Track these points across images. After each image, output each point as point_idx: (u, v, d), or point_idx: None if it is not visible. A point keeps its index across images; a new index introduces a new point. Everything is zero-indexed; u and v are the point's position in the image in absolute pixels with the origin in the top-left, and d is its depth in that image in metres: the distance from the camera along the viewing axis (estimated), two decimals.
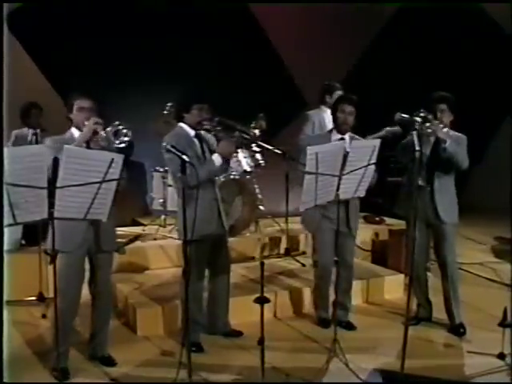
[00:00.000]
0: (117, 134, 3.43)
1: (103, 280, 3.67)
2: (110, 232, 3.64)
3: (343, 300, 4.39)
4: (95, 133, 3.43)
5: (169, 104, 5.78)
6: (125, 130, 3.43)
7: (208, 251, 3.98)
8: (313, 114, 5.55)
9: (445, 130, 4.03)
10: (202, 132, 3.98)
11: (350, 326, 4.39)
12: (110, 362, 3.72)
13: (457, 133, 4.21)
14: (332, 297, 4.32)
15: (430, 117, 3.86)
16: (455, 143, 4.05)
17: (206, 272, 4.09)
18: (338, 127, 4.21)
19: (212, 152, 3.93)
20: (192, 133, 3.94)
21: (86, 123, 3.45)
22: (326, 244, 4.27)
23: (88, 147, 3.44)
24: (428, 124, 3.85)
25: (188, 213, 3.55)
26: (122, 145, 3.41)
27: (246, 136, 4.03)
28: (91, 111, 3.53)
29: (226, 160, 3.89)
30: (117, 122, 3.44)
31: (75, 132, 3.55)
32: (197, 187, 3.71)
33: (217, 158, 3.83)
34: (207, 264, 4.04)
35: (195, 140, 3.94)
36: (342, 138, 4.15)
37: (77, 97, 3.56)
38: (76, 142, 3.41)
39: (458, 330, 4.27)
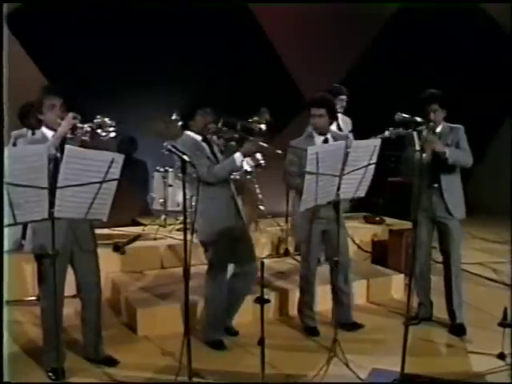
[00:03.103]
0: (101, 126, 3.37)
1: (86, 281, 3.62)
2: (87, 231, 3.60)
3: (344, 297, 4.30)
4: (74, 128, 3.36)
5: (174, 115, 5.79)
6: (109, 122, 3.37)
7: (230, 249, 3.97)
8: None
9: (438, 129, 4.10)
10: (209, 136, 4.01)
11: (355, 327, 4.34)
12: (111, 361, 3.70)
13: (452, 125, 4.24)
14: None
15: (424, 129, 3.91)
16: (454, 147, 4.11)
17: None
18: (316, 130, 4.20)
19: (222, 152, 4.00)
20: (199, 138, 3.95)
21: (60, 121, 3.35)
22: (314, 247, 4.22)
23: (62, 144, 3.30)
24: (426, 139, 3.91)
25: (206, 212, 3.76)
26: (112, 134, 3.37)
27: (253, 128, 4.05)
28: (63, 109, 3.42)
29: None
30: (98, 116, 3.38)
31: (47, 131, 3.44)
32: (214, 184, 3.81)
33: (238, 158, 3.85)
34: (233, 261, 4.05)
35: (204, 144, 3.95)
36: (326, 139, 4.16)
37: (47, 95, 3.46)
38: (53, 138, 3.32)
39: (458, 330, 4.26)
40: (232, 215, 3.98)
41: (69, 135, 3.39)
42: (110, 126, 3.37)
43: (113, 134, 3.38)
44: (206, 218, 3.89)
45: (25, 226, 4.79)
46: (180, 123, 4.08)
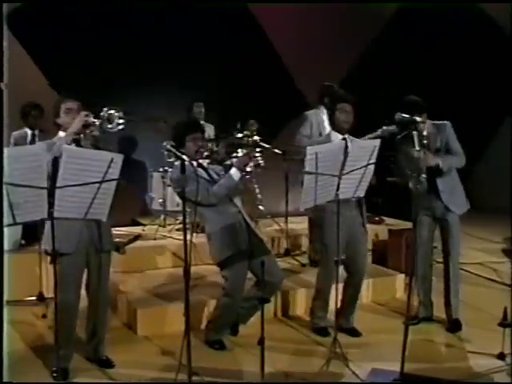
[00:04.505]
0: (110, 119, 3.36)
1: (100, 282, 3.61)
2: (106, 232, 3.58)
3: (351, 305, 4.26)
4: (86, 126, 3.36)
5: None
6: (117, 113, 3.36)
7: (245, 265, 3.93)
8: (311, 114, 5.57)
9: (425, 132, 4.06)
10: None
11: (354, 333, 4.24)
12: (107, 363, 3.69)
13: (437, 122, 4.23)
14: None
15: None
16: (444, 148, 4.14)
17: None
18: (338, 127, 4.12)
19: (219, 175, 3.97)
20: (194, 163, 3.88)
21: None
22: (335, 242, 3.94)
23: (78, 143, 3.39)
24: (420, 157, 3.94)
25: (216, 235, 3.83)
26: (120, 127, 3.36)
27: (243, 142, 4.07)
28: (79, 113, 3.43)
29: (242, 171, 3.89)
30: (106, 108, 3.37)
31: (63, 135, 3.43)
32: (216, 205, 3.81)
33: (235, 173, 3.83)
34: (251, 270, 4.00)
35: (199, 169, 3.88)
36: (344, 139, 4.06)
37: (63, 99, 3.51)
38: (65, 135, 3.33)
39: (454, 326, 4.28)
40: (242, 231, 3.92)
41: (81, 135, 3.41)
42: (119, 118, 3.37)
43: (121, 126, 3.37)
44: (217, 241, 3.88)
45: (25, 226, 4.83)
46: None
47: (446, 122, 4.24)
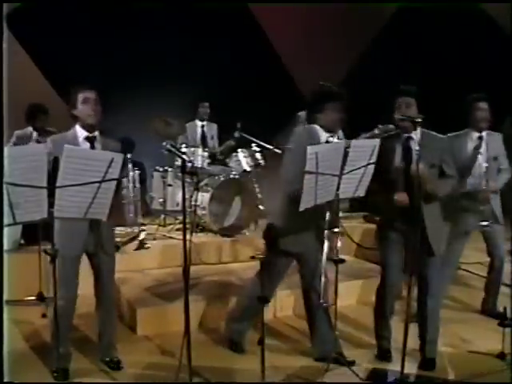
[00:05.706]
0: None
1: (105, 282, 3.62)
2: (109, 233, 3.61)
3: (427, 330, 3.73)
4: None
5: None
6: None
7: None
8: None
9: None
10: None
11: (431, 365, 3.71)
12: (116, 366, 3.67)
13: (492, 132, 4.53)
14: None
15: None
16: (501, 179, 4.68)
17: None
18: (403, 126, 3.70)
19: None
20: (324, 137, 3.64)
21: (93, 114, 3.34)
22: (394, 258, 3.84)
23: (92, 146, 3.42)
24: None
25: (286, 222, 3.66)
26: None
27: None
28: (97, 103, 3.42)
29: None
30: None
31: (79, 130, 3.42)
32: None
33: None
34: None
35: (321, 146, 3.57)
36: (410, 137, 3.70)
37: (80, 89, 3.43)
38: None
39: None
40: (313, 226, 3.70)
41: None
42: None
43: None
44: (287, 235, 3.68)
45: (24, 225, 4.82)
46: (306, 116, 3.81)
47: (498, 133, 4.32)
